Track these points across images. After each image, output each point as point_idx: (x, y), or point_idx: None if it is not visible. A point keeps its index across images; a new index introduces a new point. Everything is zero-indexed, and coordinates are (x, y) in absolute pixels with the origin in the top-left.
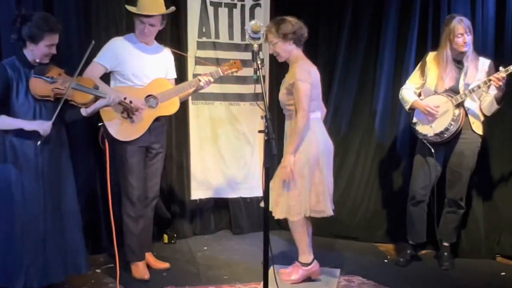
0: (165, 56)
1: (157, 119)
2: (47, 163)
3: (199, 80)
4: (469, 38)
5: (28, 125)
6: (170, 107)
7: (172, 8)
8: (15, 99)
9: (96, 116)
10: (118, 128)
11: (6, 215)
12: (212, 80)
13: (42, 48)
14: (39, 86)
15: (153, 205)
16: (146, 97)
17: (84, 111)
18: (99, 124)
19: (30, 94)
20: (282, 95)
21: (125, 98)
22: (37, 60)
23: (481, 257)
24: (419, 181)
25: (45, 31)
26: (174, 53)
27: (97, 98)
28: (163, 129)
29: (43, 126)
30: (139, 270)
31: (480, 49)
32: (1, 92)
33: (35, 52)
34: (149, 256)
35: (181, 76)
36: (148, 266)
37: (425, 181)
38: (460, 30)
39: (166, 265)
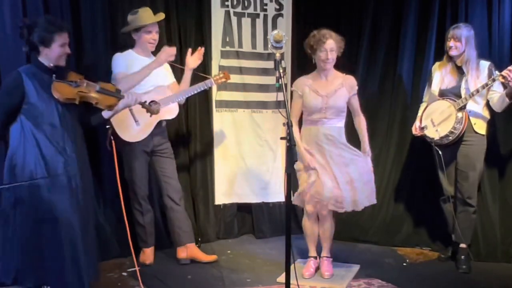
0: (164, 65)
1: (159, 123)
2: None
3: (195, 90)
4: (456, 44)
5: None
6: (171, 112)
7: (162, 15)
8: (39, 103)
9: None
10: (124, 130)
11: (51, 225)
12: (207, 88)
13: (56, 49)
14: (64, 90)
15: (182, 203)
16: (149, 103)
17: (106, 114)
18: (107, 126)
19: (53, 99)
20: (340, 100)
21: (145, 101)
22: (54, 63)
23: (497, 260)
24: (443, 180)
25: (55, 31)
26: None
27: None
28: (165, 134)
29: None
30: (145, 255)
31: (496, 57)
32: (17, 100)
33: (50, 55)
34: (194, 249)
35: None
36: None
37: (446, 180)
38: (449, 35)
39: (213, 257)
